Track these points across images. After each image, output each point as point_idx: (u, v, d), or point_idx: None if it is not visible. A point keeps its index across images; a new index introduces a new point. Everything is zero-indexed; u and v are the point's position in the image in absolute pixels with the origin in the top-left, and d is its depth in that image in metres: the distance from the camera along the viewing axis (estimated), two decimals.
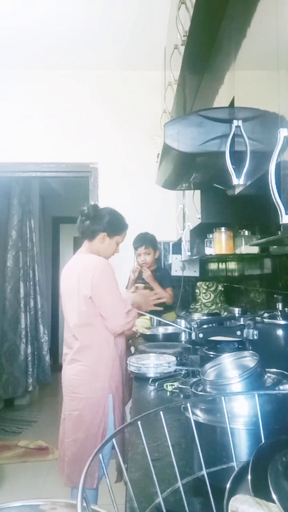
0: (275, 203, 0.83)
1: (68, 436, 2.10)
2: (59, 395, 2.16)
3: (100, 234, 2.27)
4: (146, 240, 3.26)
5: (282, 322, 1.45)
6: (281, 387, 0.93)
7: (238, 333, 1.75)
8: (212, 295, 3.14)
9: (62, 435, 2.16)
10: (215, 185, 1.77)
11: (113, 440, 0.69)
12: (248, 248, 1.97)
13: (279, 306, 1.57)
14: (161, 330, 2.68)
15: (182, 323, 2.60)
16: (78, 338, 2.13)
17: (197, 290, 3.30)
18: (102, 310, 2.11)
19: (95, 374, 2.10)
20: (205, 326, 2.06)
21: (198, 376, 1.14)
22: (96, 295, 2.10)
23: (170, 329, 2.64)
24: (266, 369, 0.99)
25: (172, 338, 2.54)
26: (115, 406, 2.10)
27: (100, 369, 2.10)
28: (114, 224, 2.30)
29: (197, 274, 3.66)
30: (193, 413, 0.88)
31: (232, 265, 2.99)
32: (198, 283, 3.29)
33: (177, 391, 1.58)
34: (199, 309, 3.11)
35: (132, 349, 2.64)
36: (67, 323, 2.21)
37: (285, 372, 1.01)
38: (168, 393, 1.61)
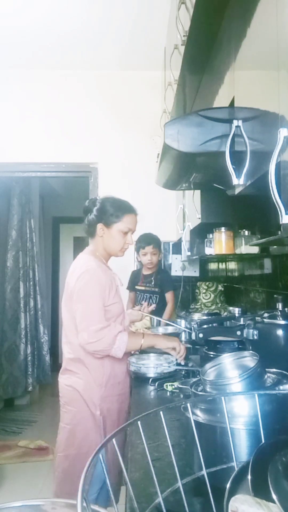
0: (275, 203, 0.83)
1: (61, 450, 1.93)
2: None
3: (98, 226, 2.00)
4: (153, 240, 3.25)
5: (282, 322, 1.45)
6: (281, 387, 0.93)
7: (238, 333, 1.75)
8: (212, 295, 3.15)
9: (57, 446, 2.00)
10: (215, 185, 1.77)
11: (113, 440, 0.69)
12: (248, 248, 1.97)
13: (279, 306, 1.57)
14: (161, 330, 2.68)
15: (182, 323, 2.60)
16: (71, 348, 1.96)
17: (197, 290, 3.30)
18: (77, 322, 1.86)
19: (88, 390, 1.89)
20: (205, 326, 2.06)
21: (198, 376, 1.14)
22: (73, 304, 1.90)
23: (170, 329, 2.64)
24: (266, 369, 0.99)
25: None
26: (106, 430, 1.86)
27: (91, 386, 1.89)
28: (107, 211, 1.99)
29: (197, 274, 3.66)
30: (193, 413, 0.88)
31: (232, 265, 2.99)
32: (198, 283, 3.29)
33: (177, 391, 1.58)
34: (199, 309, 3.12)
35: None
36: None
37: (285, 372, 1.01)
38: (168, 393, 1.61)
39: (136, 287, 3.39)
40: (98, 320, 1.83)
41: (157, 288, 3.32)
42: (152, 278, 3.34)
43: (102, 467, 0.66)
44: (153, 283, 3.34)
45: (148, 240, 3.24)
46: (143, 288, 3.37)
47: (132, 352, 2.09)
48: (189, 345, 2.28)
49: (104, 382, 1.89)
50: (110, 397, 1.91)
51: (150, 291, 3.35)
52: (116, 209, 2.01)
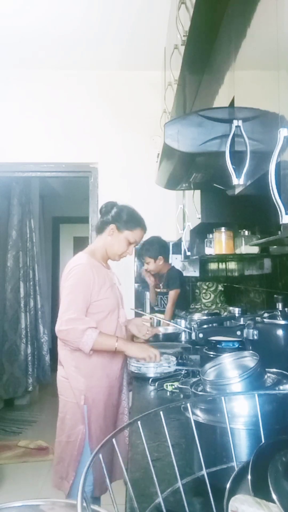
0: (275, 203, 0.83)
1: (56, 436, 2.06)
2: None
3: (109, 226, 2.12)
4: (143, 252, 3.27)
5: (282, 322, 1.45)
6: (281, 387, 0.93)
7: (238, 333, 1.76)
8: (212, 295, 3.15)
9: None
10: (215, 185, 1.77)
11: (113, 440, 0.69)
12: (248, 248, 1.97)
13: (279, 306, 1.57)
14: (161, 330, 2.68)
15: (182, 323, 2.60)
16: (61, 341, 2.04)
17: (197, 290, 3.30)
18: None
19: (74, 380, 1.98)
20: (205, 326, 2.06)
21: (198, 376, 1.14)
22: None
23: (170, 329, 2.64)
24: (266, 369, 0.99)
25: (172, 338, 2.54)
26: (90, 419, 1.95)
27: (78, 376, 1.98)
28: (125, 217, 2.13)
29: (197, 274, 3.66)
30: (193, 413, 0.88)
31: (232, 265, 2.99)
32: (198, 283, 3.29)
33: (177, 391, 1.58)
34: (199, 309, 3.11)
35: None
36: None
37: (285, 372, 1.01)
38: (168, 393, 1.61)
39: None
40: (74, 311, 1.90)
41: (165, 288, 3.33)
42: (162, 280, 3.38)
43: (102, 465, 0.66)
44: (161, 284, 3.38)
45: (139, 253, 3.30)
46: (158, 290, 3.45)
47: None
48: (189, 345, 2.28)
49: (90, 373, 1.97)
50: (96, 388, 1.98)
51: (160, 292, 3.42)
52: (132, 219, 2.15)
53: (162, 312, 3.28)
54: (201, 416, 0.89)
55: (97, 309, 1.99)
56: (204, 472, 0.77)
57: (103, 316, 2.01)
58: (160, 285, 3.40)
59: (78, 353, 1.98)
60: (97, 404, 1.98)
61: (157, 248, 3.27)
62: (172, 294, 3.24)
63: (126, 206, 2.20)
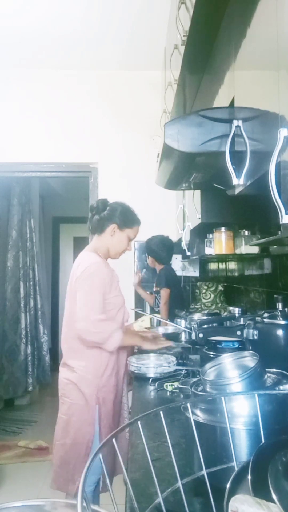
0: (275, 203, 0.83)
1: (58, 439, 2.04)
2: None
3: (110, 226, 2.14)
4: (146, 243, 3.38)
5: (282, 322, 1.45)
6: (281, 387, 0.93)
7: (238, 333, 1.76)
8: (212, 295, 3.14)
9: (55, 434, 2.10)
10: (215, 185, 1.77)
11: (113, 440, 0.69)
12: (248, 248, 1.97)
13: (279, 306, 1.57)
14: (161, 330, 2.68)
15: (182, 323, 2.60)
16: (68, 341, 2.05)
17: (197, 290, 3.30)
18: (77, 310, 1.95)
19: (84, 381, 1.98)
20: (205, 326, 2.06)
21: (198, 376, 1.14)
22: (77, 293, 1.98)
23: (170, 329, 2.64)
24: (266, 369, 0.99)
25: (172, 338, 2.53)
26: (101, 418, 1.96)
27: (88, 377, 1.98)
28: (124, 216, 2.17)
29: (197, 274, 3.66)
30: (193, 413, 0.88)
31: (232, 265, 2.99)
32: (198, 283, 3.29)
33: (177, 391, 1.58)
34: (199, 309, 3.11)
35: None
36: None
37: (285, 372, 1.01)
38: (168, 393, 1.61)
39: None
40: (99, 311, 1.94)
41: (156, 287, 3.35)
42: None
43: (101, 464, 0.66)
44: (155, 283, 3.40)
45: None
46: (154, 289, 3.49)
47: (136, 350, 2.20)
48: (189, 345, 2.28)
49: (101, 373, 1.99)
50: (106, 387, 2.00)
51: (154, 291, 3.45)
52: (131, 217, 2.19)
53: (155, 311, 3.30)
54: (201, 416, 0.89)
55: (109, 306, 2.02)
56: (204, 472, 0.77)
57: (114, 313, 2.04)
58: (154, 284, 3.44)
59: (87, 354, 1.99)
60: (107, 403, 2.00)
61: (152, 248, 3.32)
62: (162, 293, 3.25)
63: (120, 203, 2.22)
